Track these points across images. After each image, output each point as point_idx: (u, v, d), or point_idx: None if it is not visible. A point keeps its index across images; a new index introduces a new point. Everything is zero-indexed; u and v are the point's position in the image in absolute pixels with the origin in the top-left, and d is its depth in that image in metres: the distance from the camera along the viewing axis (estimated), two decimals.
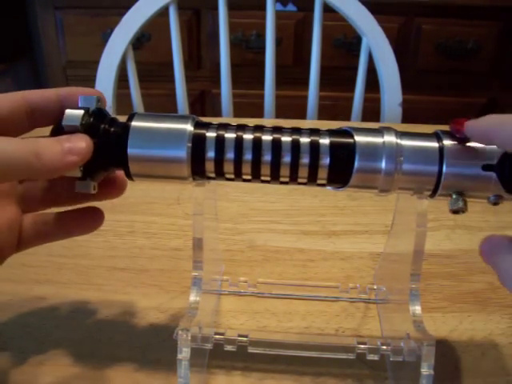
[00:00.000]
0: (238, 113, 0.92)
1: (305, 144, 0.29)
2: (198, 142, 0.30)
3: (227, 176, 0.31)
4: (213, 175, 0.31)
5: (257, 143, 0.30)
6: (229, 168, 0.30)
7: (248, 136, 0.30)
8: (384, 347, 0.31)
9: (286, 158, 0.29)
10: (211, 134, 0.30)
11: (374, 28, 0.84)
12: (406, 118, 0.85)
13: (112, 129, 0.30)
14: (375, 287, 0.43)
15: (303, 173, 0.30)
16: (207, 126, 0.31)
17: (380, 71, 0.85)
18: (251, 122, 0.32)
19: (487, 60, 1.53)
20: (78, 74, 1.59)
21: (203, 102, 1.65)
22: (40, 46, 1.63)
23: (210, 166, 0.30)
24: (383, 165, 0.29)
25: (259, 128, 0.30)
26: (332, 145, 0.30)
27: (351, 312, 0.41)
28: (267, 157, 0.29)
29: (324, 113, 0.93)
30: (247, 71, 1.31)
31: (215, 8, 0.87)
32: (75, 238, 0.34)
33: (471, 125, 0.28)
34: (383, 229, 0.51)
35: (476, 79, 1.58)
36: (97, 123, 0.30)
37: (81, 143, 0.28)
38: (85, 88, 0.31)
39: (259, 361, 0.36)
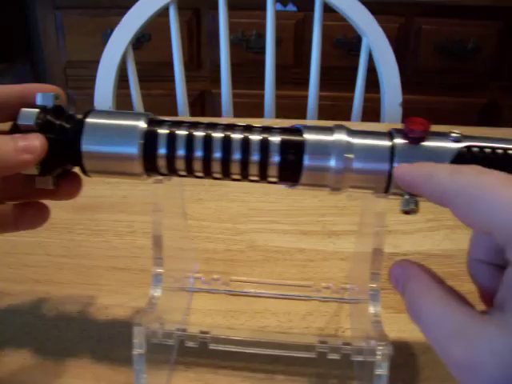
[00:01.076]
0: (238, 113, 0.92)
1: (255, 142, 0.29)
2: (149, 139, 0.30)
3: (180, 173, 0.31)
4: (166, 172, 0.31)
5: (207, 140, 0.30)
6: (180, 165, 0.30)
7: (199, 133, 0.30)
8: (346, 347, 0.31)
9: (236, 156, 0.29)
10: (163, 131, 0.30)
11: (374, 28, 0.84)
12: (406, 118, 0.85)
13: (68, 125, 0.30)
14: (348, 286, 0.43)
15: (254, 170, 0.30)
16: (161, 123, 0.31)
17: (380, 71, 0.85)
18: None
19: (487, 60, 1.53)
20: (78, 74, 1.59)
21: (203, 102, 1.65)
22: (40, 46, 1.64)
23: (161, 163, 0.30)
24: (332, 163, 0.29)
25: (211, 126, 0.30)
26: (282, 143, 0.29)
27: (324, 311, 0.41)
28: (217, 154, 0.29)
29: (324, 113, 0.93)
30: (247, 71, 1.31)
31: (215, 8, 0.87)
32: (75, 238, 0.34)
33: (402, 170, 0.27)
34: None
35: (476, 79, 1.58)
36: (52, 120, 0.30)
37: (35, 142, 0.28)
38: (42, 84, 0.31)
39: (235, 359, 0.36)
